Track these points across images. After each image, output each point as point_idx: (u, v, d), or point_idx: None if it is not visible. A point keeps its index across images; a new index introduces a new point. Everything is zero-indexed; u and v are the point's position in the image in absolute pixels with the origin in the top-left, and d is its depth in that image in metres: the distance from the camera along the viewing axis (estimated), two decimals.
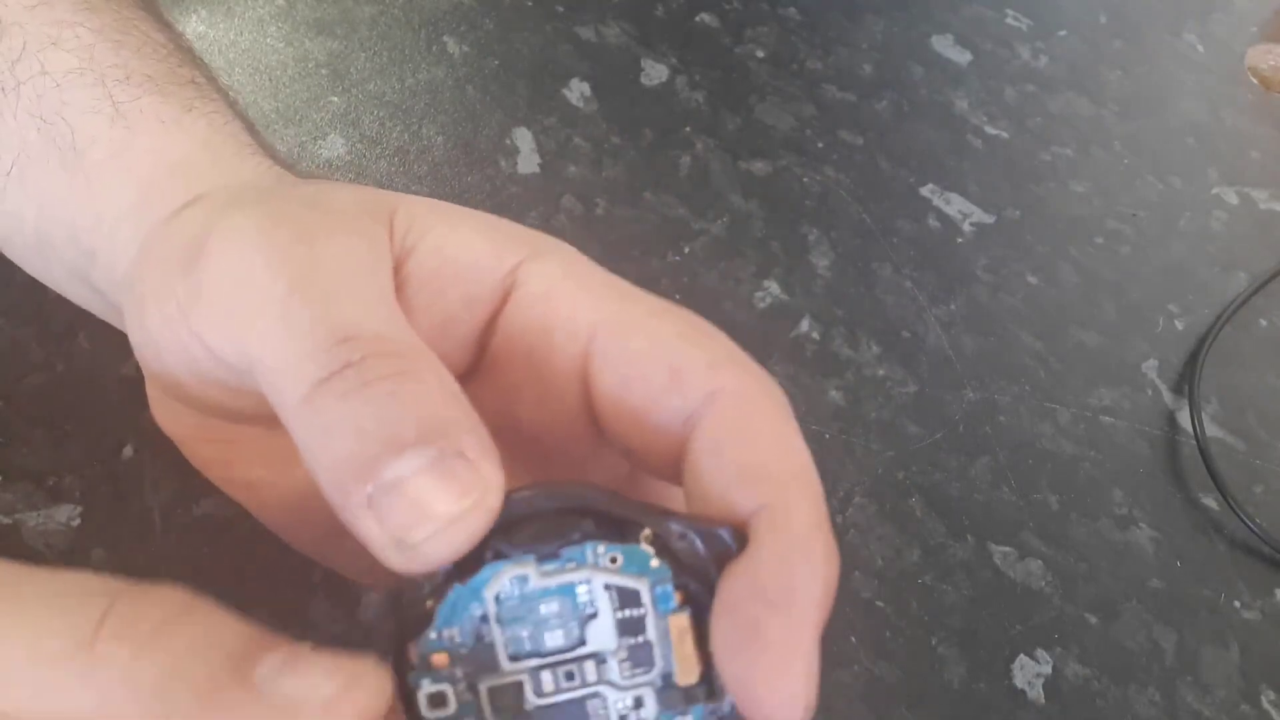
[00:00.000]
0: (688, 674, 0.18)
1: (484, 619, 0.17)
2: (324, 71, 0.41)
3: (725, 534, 0.18)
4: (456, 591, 0.17)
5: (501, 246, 0.21)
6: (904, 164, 0.44)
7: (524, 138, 0.41)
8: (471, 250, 0.21)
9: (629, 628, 0.18)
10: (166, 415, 0.23)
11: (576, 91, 0.43)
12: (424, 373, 0.17)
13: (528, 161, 0.40)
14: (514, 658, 0.17)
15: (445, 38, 0.43)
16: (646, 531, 0.18)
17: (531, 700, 0.17)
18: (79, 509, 0.28)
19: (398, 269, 0.20)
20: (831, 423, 0.35)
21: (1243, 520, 0.35)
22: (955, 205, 0.43)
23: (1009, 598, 0.33)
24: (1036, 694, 0.31)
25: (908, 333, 0.39)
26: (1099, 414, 0.38)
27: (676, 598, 0.18)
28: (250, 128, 0.26)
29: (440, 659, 0.17)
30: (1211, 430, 0.38)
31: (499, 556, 0.17)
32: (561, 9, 0.46)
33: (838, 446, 0.35)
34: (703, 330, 0.20)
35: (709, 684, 0.18)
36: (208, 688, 0.15)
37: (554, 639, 0.17)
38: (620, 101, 0.43)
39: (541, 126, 0.41)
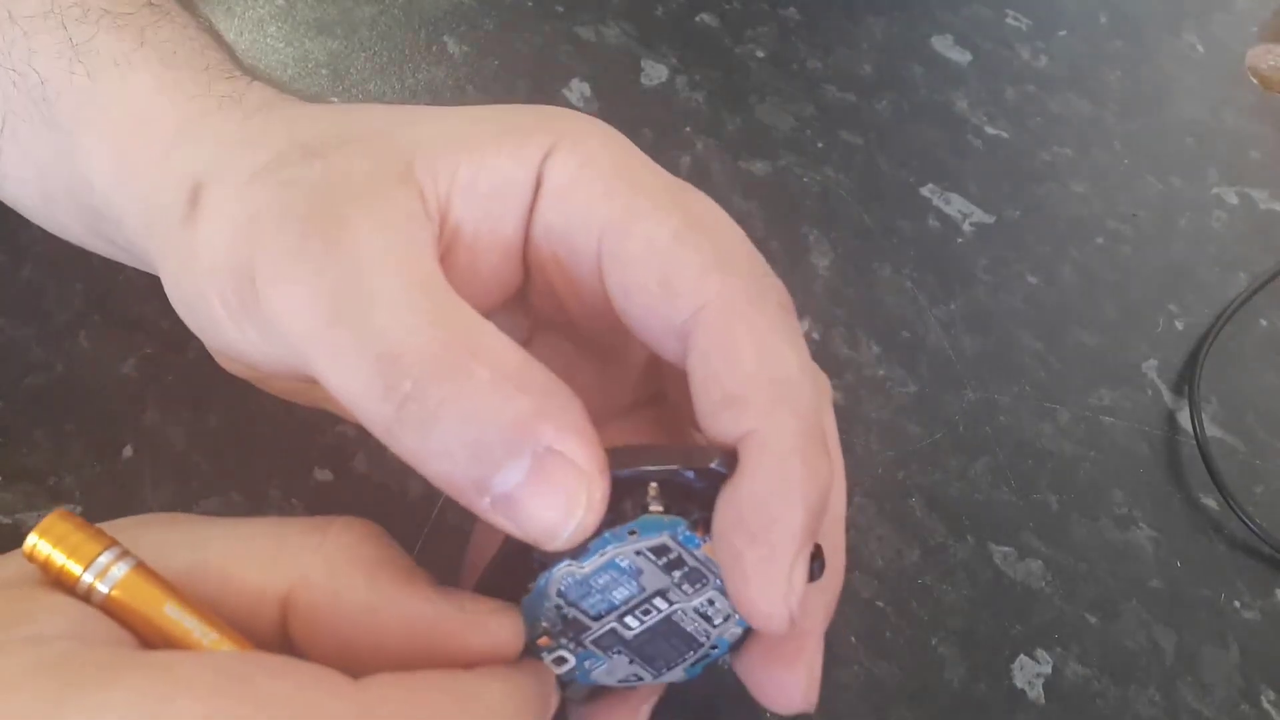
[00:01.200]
0: None
1: (558, 607, 0.20)
2: (324, 71, 0.41)
3: (716, 465, 0.19)
4: (525, 603, 0.20)
5: (523, 146, 0.21)
6: (904, 164, 0.44)
7: None
8: (500, 171, 0.20)
9: (673, 566, 0.20)
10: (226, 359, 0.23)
11: (576, 91, 0.43)
12: (479, 372, 0.18)
13: None
14: (596, 617, 0.20)
15: (445, 38, 0.43)
16: (653, 485, 0.19)
17: (629, 631, 0.21)
18: (79, 509, 0.28)
19: (442, 223, 0.20)
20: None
21: (1243, 520, 0.35)
22: (955, 205, 0.43)
23: (1009, 598, 0.33)
24: (1036, 694, 0.31)
25: (908, 333, 0.39)
26: (1099, 414, 0.38)
27: (698, 533, 0.19)
28: (215, 41, 0.25)
29: (544, 641, 0.20)
30: (1211, 430, 0.38)
31: (543, 566, 0.19)
32: (561, 9, 0.46)
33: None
34: (702, 224, 0.20)
35: None
36: (408, 578, 0.19)
37: (620, 594, 0.20)
38: (620, 101, 0.43)
39: None
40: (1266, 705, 0.32)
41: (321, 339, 0.18)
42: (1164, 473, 0.37)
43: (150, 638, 0.17)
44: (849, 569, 0.32)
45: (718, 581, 0.20)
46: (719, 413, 0.19)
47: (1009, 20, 0.52)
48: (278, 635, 0.18)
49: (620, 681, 0.22)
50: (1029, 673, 0.31)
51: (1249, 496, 0.36)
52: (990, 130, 0.46)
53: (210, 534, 0.19)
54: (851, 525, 0.33)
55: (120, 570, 0.17)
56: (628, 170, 0.21)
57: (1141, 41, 0.53)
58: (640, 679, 0.22)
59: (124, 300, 0.32)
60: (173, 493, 0.29)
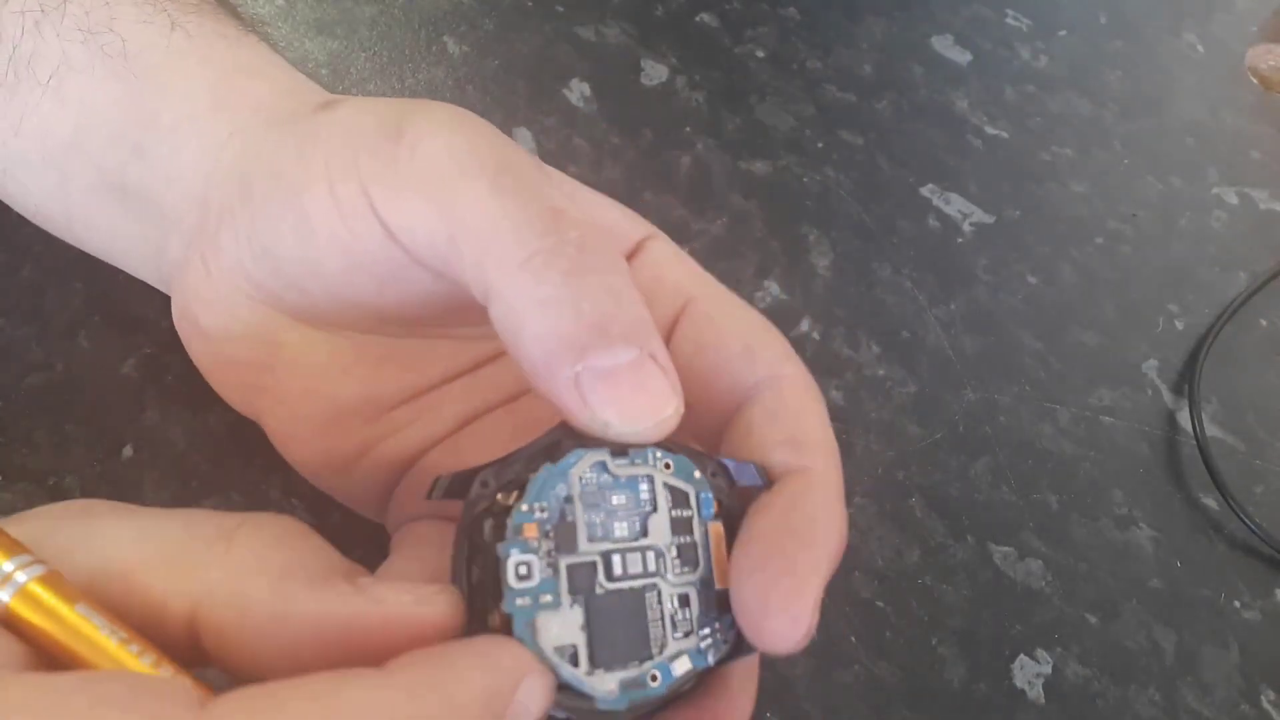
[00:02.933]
0: (722, 579, 0.20)
1: (568, 499, 0.19)
2: (324, 72, 0.41)
3: (755, 469, 0.21)
4: (547, 470, 0.19)
5: (633, 220, 0.25)
6: (904, 164, 0.44)
7: (524, 138, 0.41)
8: (611, 217, 0.25)
9: (679, 527, 0.20)
10: (203, 340, 0.24)
11: (576, 91, 0.43)
12: (626, 274, 0.20)
13: None
14: (590, 539, 0.19)
15: (445, 38, 0.43)
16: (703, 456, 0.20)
17: (602, 583, 0.19)
18: None
19: None
20: (831, 422, 0.35)
21: (1243, 520, 0.35)
22: (955, 205, 0.43)
23: (1009, 598, 0.33)
24: (1036, 694, 0.31)
25: (908, 333, 0.39)
26: (1099, 414, 0.38)
27: (715, 507, 0.20)
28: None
29: (531, 530, 0.19)
30: (1211, 430, 0.38)
31: (582, 447, 0.19)
32: (561, 9, 0.46)
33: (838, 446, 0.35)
34: (773, 328, 0.24)
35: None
36: (321, 577, 0.18)
37: (621, 529, 0.19)
38: (620, 101, 0.43)
39: (541, 126, 0.41)
40: (1266, 705, 0.32)
41: (489, 176, 0.20)
42: (1164, 473, 0.37)
43: (55, 652, 0.16)
44: (849, 569, 0.32)
45: (699, 584, 0.20)
46: (779, 448, 0.21)
47: (1009, 20, 0.52)
48: (188, 644, 0.18)
49: (552, 663, 0.19)
50: (1029, 673, 0.31)
51: (1249, 496, 0.37)
52: (990, 130, 0.47)
53: (122, 533, 0.18)
54: (852, 525, 0.33)
55: (24, 578, 0.16)
56: (710, 276, 0.25)
57: (1141, 41, 0.53)
58: (574, 666, 0.19)
59: (124, 300, 0.32)
60: (173, 493, 0.29)
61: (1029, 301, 0.41)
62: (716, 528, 0.20)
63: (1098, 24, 0.53)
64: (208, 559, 0.18)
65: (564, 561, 0.19)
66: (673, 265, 0.24)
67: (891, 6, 0.51)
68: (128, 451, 0.30)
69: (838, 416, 0.35)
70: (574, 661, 0.18)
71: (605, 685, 0.19)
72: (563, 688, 0.18)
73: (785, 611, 0.18)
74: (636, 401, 0.18)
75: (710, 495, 0.20)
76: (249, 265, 0.23)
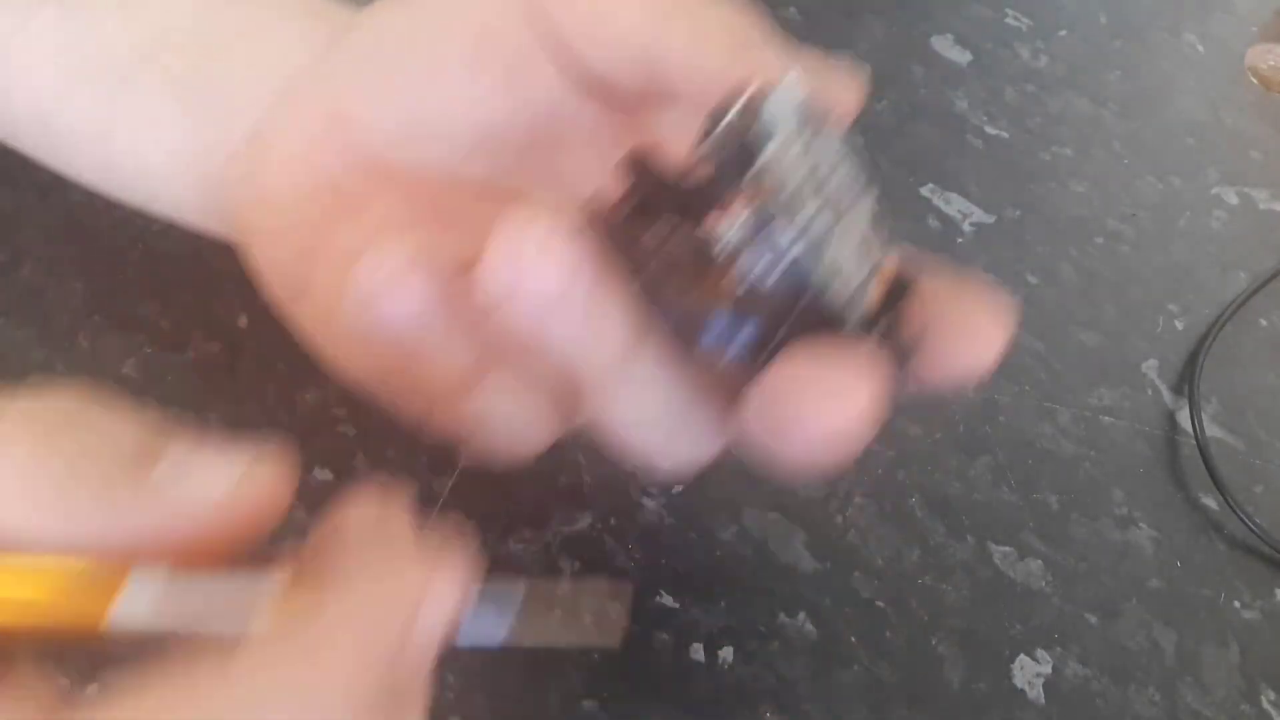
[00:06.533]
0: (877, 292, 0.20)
1: (780, 142, 0.19)
2: None
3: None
4: (754, 130, 0.18)
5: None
6: (904, 164, 0.44)
7: None
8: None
9: (867, 225, 0.21)
10: (267, 212, 0.24)
11: None
12: None
13: None
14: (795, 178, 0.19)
15: None
16: None
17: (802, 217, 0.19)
18: None
19: None
20: None
21: (1243, 520, 0.35)
22: (955, 205, 0.43)
23: (1009, 598, 0.33)
24: (1036, 694, 0.31)
25: None
26: (1099, 414, 0.38)
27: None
28: None
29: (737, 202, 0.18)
30: (1211, 430, 0.38)
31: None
32: None
33: None
34: None
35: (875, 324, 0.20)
36: (102, 488, 0.16)
37: (824, 165, 0.20)
38: None
39: None
40: (1266, 705, 0.32)
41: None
42: (1164, 473, 0.37)
43: None
44: (849, 569, 0.32)
45: (873, 257, 0.20)
46: None
47: (1009, 20, 0.52)
48: None
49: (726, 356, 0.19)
50: (1029, 673, 0.31)
51: (1249, 496, 0.36)
52: (990, 130, 0.47)
53: None
54: (851, 525, 0.33)
55: None
56: None
57: (1141, 41, 0.53)
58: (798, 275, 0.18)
59: (124, 300, 0.32)
60: None
61: (1029, 301, 0.41)
62: (889, 262, 0.21)
63: (1098, 24, 0.53)
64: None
65: (781, 197, 0.19)
66: None
67: (891, 6, 0.51)
68: None
69: None
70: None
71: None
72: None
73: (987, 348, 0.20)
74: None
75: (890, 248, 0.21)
76: (377, 121, 0.23)
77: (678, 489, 0.32)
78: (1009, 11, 0.52)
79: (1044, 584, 0.33)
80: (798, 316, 0.19)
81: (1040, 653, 0.32)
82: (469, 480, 0.31)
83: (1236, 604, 0.34)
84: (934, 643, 0.31)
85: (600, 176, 0.24)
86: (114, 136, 0.26)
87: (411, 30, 0.24)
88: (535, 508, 0.31)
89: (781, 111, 0.18)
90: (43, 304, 0.32)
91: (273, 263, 0.25)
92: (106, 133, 0.26)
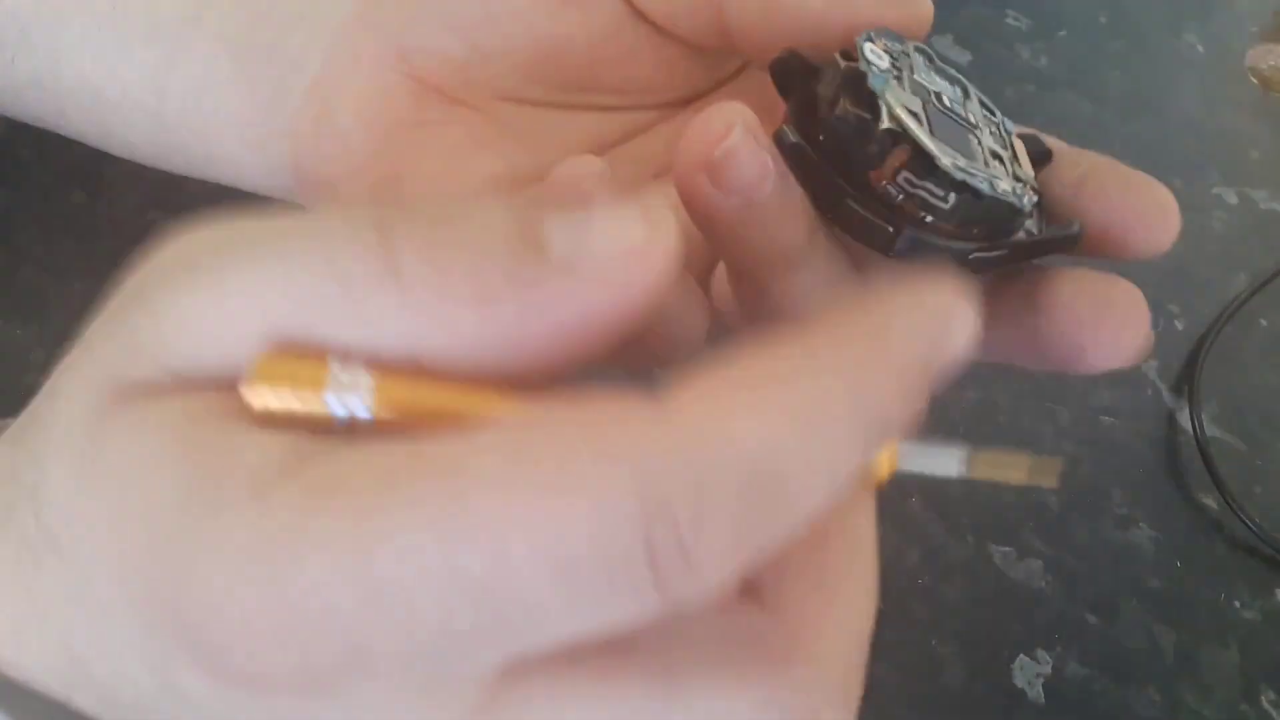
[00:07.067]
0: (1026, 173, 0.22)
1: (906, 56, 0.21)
2: None
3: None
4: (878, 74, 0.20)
5: None
6: None
7: None
8: None
9: (989, 119, 0.22)
10: (341, 144, 0.24)
11: None
12: None
13: None
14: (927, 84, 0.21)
15: None
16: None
17: (936, 103, 0.21)
18: None
19: None
20: None
21: (1243, 520, 0.35)
22: None
23: (1009, 598, 0.33)
24: (1036, 694, 0.31)
25: None
26: (1099, 414, 0.38)
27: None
28: None
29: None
30: (1211, 430, 0.38)
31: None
32: None
33: None
34: None
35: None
36: (515, 281, 0.14)
37: (944, 90, 0.22)
38: None
39: None
40: (1266, 705, 0.32)
41: None
42: (1164, 473, 0.37)
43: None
44: None
45: (1009, 160, 0.21)
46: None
47: (1009, 20, 0.52)
48: None
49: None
50: (1029, 673, 0.31)
51: (1249, 496, 0.36)
52: None
53: (256, 297, 0.14)
54: None
55: (364, 383, 0.13)
56: None
57: (1141, 41, 0.53)
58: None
59: None
60: None
61: None
62: (1018, 139, 0.22)
63: (1098, 24, 0.53)
64: (391, 299, 0.14)
65: (907, 75, 0.21)
66: None
67: None
68: None
69: None
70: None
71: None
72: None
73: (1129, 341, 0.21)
74: None
75: (1010, 122, 0.23)
76: (430, 43, 0.24)
77: None
78: (1009, 11, 0.52)
79: (1044, 584, 0.33)
80: (981, 223, 0.20)
81: (1040, 653, 0.32)
82: None
83: (1236, 604, 0.34)
84: (934, 643, 0.31)
85: (664, 93, 0.24)
86: (168, 103, 0.26)
87: None
88: None
89: (875, 58, 0.20)
90: (43, 304, 0.32)
91: (351, 201, 0.25)
92: (160, 100, 0.26)
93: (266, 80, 0.25)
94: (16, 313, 0.32)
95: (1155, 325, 0.41)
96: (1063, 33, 0.52)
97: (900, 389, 0.15)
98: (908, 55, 0.21)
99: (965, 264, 0.21)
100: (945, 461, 0.19)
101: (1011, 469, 0.19)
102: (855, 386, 0.14)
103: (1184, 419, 0.38)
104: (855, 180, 0.20)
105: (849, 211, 0.20)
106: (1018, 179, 0.21)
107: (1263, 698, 0.32)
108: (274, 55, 0.25)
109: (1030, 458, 0.19)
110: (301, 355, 0.14)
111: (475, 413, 0.14)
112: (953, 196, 0.19)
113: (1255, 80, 0.52)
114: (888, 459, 0.18)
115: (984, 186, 0.19)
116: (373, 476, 0.13)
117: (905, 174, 0.19)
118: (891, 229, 0.20)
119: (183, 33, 0.25)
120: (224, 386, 0.14)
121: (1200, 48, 0.53)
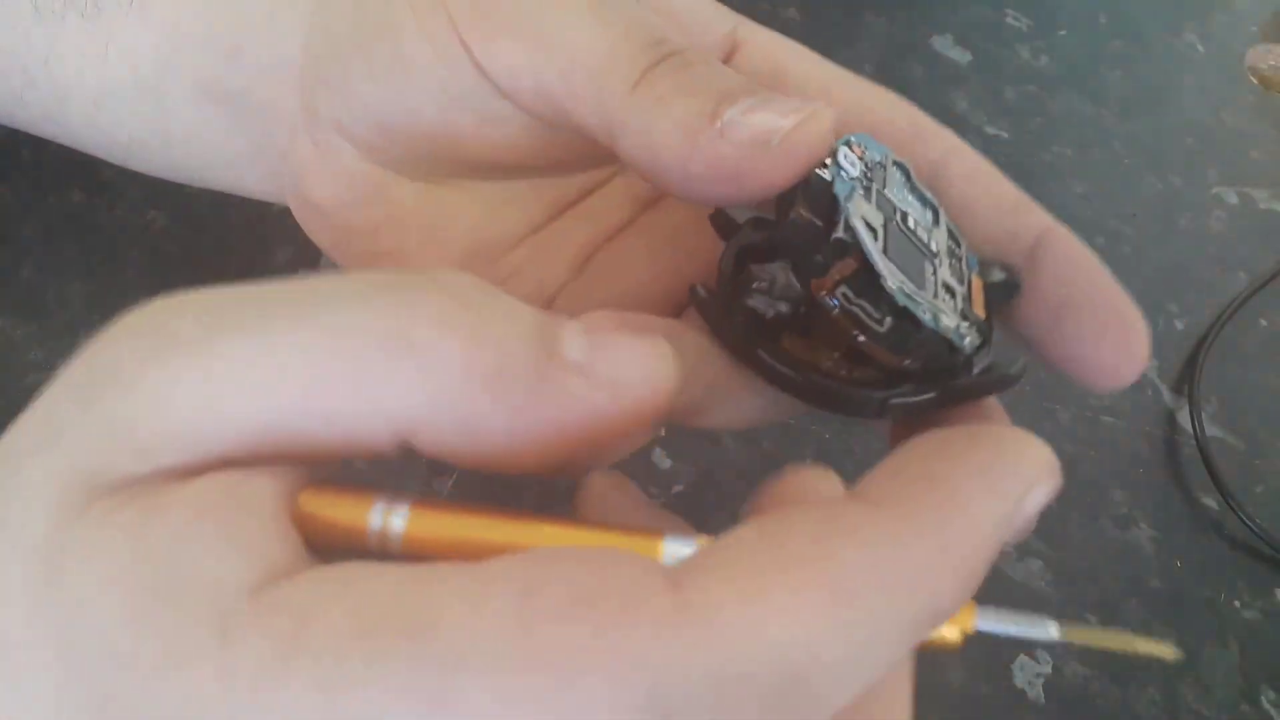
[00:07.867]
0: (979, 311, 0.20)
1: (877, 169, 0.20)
2: None
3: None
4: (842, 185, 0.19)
5: (718, 8, 0.24)
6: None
7: None
8: (696, 7, 0.24)
9: (953, 251, 0.21)
10: (320, 217, 0.24)
11: None
12: (734, 74, 0.20)
13: None
14: (890, 202, 0.20)
15: None
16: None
17: (899, 222, 0.19)
18: None
19: None
20: (832, 423, 0.35)
21: (1243, 520, 0.35)
22: None
23: (1009, 597, 0.33)
24: (1036, 694, 0.31)
25: None
26: (1099, 414, 0.38)
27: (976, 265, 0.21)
28: None
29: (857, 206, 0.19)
30: (1211, 430, 0.38)
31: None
32: None
33: (838, 447, 0.35)
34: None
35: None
36: (534, 372, 0.14)
37: (914, 213, 0.20)
38: None
39: None
40: (1266, 705, 0.32)
41: (587, 14, 0.20)
42: (1164, 473, 0.37)
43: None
44: None
45: (961, 292, 0.20)
46: (1069, 307, 0.21)
47: (1009, 20, 0.52)
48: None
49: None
50: (1029, 673, 0.31)
51: (1249, 496, 0.36)
52: (990, 130, 0.46)
53: (283, 366, 0.14)
54: None
55: (402, 508, 0.15)
56: (823, 60, 0.26)
57: (1141, 41, 0.53)
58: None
59: (124, 300, 0.32)
60: None
61: None
62: (977, 280, 0.21)
63: (1098, 24, 0.53)
64: (405, 373, 0.14)
65: (876, 188, 0.19)
66: (785, 53, 0.24)
67: (891, 6, 0.51)
68: None
69: (839, 417, 0.35)
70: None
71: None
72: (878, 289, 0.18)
73: (1129, 366, 0.20)
74: (779, 120, 0.18)
75: (974, 257, 0.21)
76: (348, 123, 0.23)
77: (679, 488, 0.32)
78: (1009, 11, 0.52)
79: (1044, 584, 0.33)
80: (917, 354, 0.19)
81: (1040, 653, 0.32)
82: (469, 480, 0.31)
83: (1236, 604, 0.34)
84: None
85: (607, 156, 0.24)
86: (169, 143, 0.26)
87: None
88: (537, 506, 0.31)
89: (848, 164, 0.19)
90: (43, 304, 0.32)
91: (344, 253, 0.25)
92: (162, 141, 0.26)
93: (252, 121, 0.25)
94: (17, 313, 0.32)
95: (1155, 325, 0.41)
96: (1063, 33, 0.52)
97: (964, 579, 0.14)
98: (884, 168, 0.20)
99: (884, 413, 0.20)
100: (1037, 630, 0.17)
101: (1114, 640, 0.19)
102: (912, 577, 0.13)
103: (1184, 419, 0.38)
104: (767, 335, 0.19)
105: (761, 361, 0.19)
106: (965, 317, 0.19)
107: (1263, 698, 0.32)
108: (252, 99, 0.25)
109: (1134, 635, 0.19)
110: (343, 494, 0.14)
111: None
112: (889, 320, 0.18)
113: (1255, 80, 0.52)
114: (963, 621, 0.17)
115: (925, 317, 0.18)
116: (349, 628, 0.12)
117: (845, 288, 0.18)
118: (800, 380, 0.19)
119: (160, 80, 0.25)
120: (203, 471, 0.14)
121: (1200, 48, 0.53)
